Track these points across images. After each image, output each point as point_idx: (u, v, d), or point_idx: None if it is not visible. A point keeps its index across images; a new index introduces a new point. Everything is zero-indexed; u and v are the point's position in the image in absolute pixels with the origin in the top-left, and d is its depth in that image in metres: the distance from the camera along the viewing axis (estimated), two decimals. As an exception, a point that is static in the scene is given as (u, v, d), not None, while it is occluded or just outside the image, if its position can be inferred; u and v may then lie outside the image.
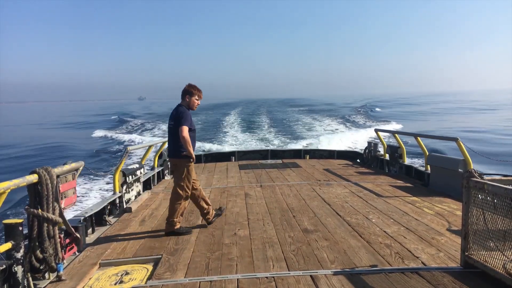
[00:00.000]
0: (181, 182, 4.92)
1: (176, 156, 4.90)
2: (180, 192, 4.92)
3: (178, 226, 4.90)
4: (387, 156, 9.59)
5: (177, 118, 4.82)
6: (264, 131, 32.69)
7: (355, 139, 24.77)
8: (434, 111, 56.55)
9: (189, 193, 5.01)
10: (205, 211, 5.19)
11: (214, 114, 60.13)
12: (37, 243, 3.50)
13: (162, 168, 9.16)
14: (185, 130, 4.73)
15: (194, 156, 4.86)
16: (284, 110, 68.15)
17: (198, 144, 24.39)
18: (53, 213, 3.60)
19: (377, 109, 63.97)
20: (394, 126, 33.33)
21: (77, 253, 4.29)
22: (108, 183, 13.24)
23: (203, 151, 20.32)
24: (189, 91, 4.97)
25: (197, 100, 5.03)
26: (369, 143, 10.82)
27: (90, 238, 4.86)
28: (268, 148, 14.91)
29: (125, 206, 6.20)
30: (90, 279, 3.68)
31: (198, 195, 5.14)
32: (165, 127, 39.20)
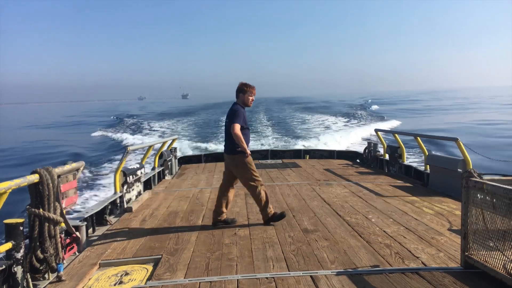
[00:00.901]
0: (248, 176, 5.07)
1: (232, 152, 5.06)
2: (254, 184, 5.06)
3: (271, 211, 5.12)
4: (386, 156, 9.59)
5: (230, 116, 5.04)
6: (262, 131, 32.69)
7: (353, 138, 24.79)
8: (433, 109, 56.54)
9: (261, 180, 5.14)
10: (219, 210, 5.19)
11: (213, 113, 60.12)
12: (38, 243, 3.50)
13: (162, 168, 9.16)
14: (237, 127, 4.91)
15: (248, 151, 5.01)
16: (283, 108, 68.10)
17: (199, 144, 24.41)
18: (54, 213, 3.61)
19: (374, 106, 63.79)
20: (392, 123, 33.31)
21: (77, 253, 4.30)
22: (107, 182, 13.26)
23: (204, 150, 20.35)
24: (242, 89, 5.18)
25: (251, 96, 5.21)
26: (369, 143, 10.83)
27: (90, 238, 4.87)
28: (268, 148, 14.94)
29: (125, 206, 6.21)
30: (89, 279, 3.68)
31: (227, 192, 5.22)
32: (166, 126, 39.28)
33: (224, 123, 5.36)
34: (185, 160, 11.88)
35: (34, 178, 3.47)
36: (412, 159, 15.00)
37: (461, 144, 6.64)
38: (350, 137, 25.27)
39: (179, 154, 11.66)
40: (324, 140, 23.97)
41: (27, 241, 3.48)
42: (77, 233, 4.24)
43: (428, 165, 7.69)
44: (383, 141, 10.12)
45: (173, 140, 10.53)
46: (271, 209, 5.14)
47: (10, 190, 3.16)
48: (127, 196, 6.43)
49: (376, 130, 11.00)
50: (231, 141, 5.02)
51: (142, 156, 8.86)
